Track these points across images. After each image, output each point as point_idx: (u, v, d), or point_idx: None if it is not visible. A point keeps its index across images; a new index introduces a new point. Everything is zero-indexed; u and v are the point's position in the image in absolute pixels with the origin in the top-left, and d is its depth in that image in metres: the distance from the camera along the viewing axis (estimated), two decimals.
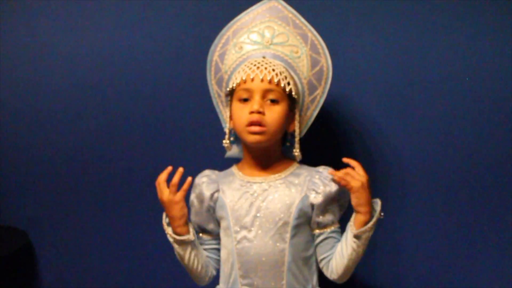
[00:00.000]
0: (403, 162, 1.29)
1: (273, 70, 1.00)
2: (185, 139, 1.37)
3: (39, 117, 1.41)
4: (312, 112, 1.10)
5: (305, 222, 1.03)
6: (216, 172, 1.11)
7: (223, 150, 1.11)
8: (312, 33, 1.08)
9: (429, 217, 1.29)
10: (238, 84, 1.01)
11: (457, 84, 1.27)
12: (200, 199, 1.07)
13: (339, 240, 1.03)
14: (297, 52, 1.06)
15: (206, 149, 1.32)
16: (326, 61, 1.08)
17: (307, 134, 1.12)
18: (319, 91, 1.09)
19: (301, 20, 1.09)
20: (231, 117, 1.06)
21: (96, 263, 1.43)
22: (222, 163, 1.14)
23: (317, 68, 1.08)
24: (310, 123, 1.11)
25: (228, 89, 1.05)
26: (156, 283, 1.41)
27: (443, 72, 1.27)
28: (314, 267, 1.05)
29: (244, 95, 1.01)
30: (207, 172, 1.11)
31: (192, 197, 1.10)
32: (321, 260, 1.05)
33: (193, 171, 1.09)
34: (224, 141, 1.07)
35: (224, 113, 1.12)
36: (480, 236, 1.28)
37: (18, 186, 1.43)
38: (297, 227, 1.01)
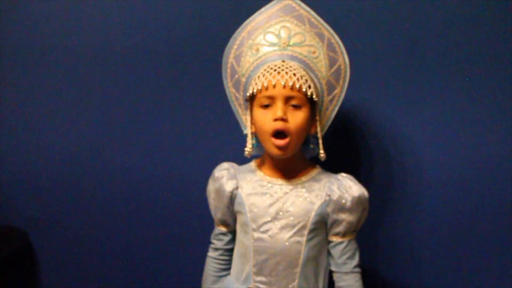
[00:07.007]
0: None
1: (294, 74, 0.97)
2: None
3: (39, 117, 1.40)
4: (331, 112, 1.08)
5: (322, 227, 1.04)
6: (235, 166, 1.11)
7: (240, 147, 1.07)
8: (328, 31, 1.06)
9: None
10: (260, 91, 0.98)
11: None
12: (220, 194, 1.07)
13: (353, 253, 1.04)
14: (314, 52, 1.04)
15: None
16: (343, 59, 1.06)
17: (326, 135, 1.09)
18: (337, 90, 1.07)
19: (316, 18, 1.06)
20: (252, 121, 1.04)
21: (96, 263, 1.43)
22: (240, 160, 1.12)
23: (335, 67, 1.06)
24: (329, 123, 1.09)
25: (248, 94, 1.02)
26: (156, 284, 1.41)
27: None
28: (326, 272, 1.06)
29: (266, 102, 0.98)
30: (225, 165, 1.10)
31: (211, 188, 1.10)
32: (332, 271, 1.06)
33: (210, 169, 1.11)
34: (246, 149, 1.03)
35: (243, 116, 1.10)
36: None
37: (18, 186, 1.43)
38: (314, 231, 1.02)
